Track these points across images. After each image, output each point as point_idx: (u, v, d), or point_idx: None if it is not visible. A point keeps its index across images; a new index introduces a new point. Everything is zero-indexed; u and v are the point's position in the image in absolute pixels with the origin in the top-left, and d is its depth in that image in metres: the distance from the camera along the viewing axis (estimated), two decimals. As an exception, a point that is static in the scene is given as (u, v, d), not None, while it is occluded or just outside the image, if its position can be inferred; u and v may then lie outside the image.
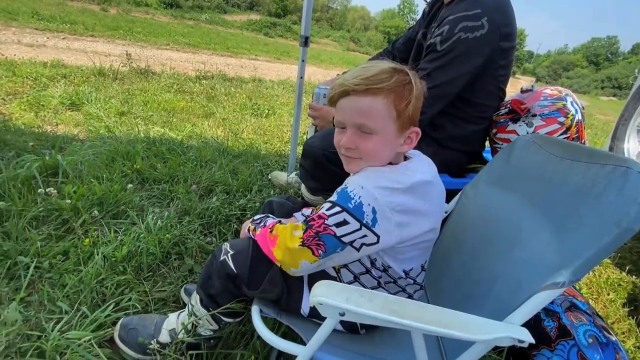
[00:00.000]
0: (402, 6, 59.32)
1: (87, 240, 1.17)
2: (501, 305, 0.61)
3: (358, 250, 0.68)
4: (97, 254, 1.13)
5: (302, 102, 2.03)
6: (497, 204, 0.85)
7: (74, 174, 1.54)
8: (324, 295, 0.55)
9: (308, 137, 1.52)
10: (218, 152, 2.19)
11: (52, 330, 0.88)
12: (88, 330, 0.91)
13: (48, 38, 6.03)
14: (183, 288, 1.12)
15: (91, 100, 2.68)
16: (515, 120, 1.16)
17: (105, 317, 0.96)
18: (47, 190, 1.32)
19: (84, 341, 0.87)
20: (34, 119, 2.25)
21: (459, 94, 1.15)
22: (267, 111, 3.61)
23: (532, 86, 1.23)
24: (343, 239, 0.66)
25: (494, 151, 1.31)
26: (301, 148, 2.24)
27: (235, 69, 6.40)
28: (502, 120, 1.22)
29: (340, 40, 29.07)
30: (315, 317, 0.80)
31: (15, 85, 2.82)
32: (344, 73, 1.64)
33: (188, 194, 1.61)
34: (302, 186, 1.53)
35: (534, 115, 1.12)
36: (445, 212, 1.01)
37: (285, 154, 2.54)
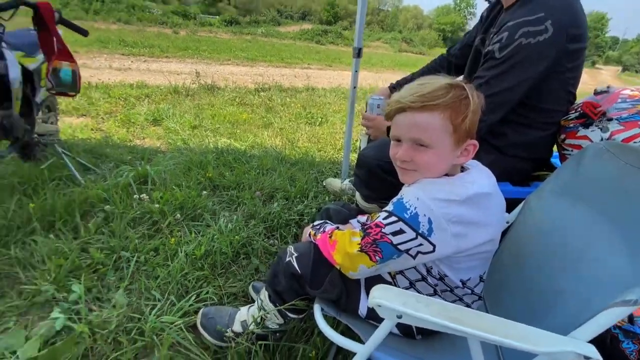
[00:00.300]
0: (458, 1, 56.35)
1: (173, 239, 1.37)
2: (565, 320, 0.60)
3: (414, 257, 0.71)
4: (181, 252, 1.31)
5: (354, 111, 2.10)
6: (564, 216, 0.82)
7: (160, 182, 1.79)
8: (383, 298, 0.59)
9: (361, 146, 1.57)
10: (277, 160, 2.35)
11: (150, 314, 1.06)
12: (176, 316, 1.07)
13: (132, 62, 6.95)
14: (251, 285, 1.25)
15: (169, 116, 3.06)
16: (586, 125, 1.09)
17: (189, 306, 1.11)
18: (140, 196, 1.56)
19: (174, 325, 1.03)
20: (126, 134, 2.65)
21: (521, 99, 1.11)
22: (320, 119, 3.74)
23: (608, 87, 1.13)
24: (399, 247, 0.70)
25: (562, 158, 1.23)
26: (354, 156, 2.29)
27: (289, 79, 6.70)
28: (571, 125, 1.14)
29: (392, 42, 28.58)
30: (373, 318, 0.84)
31: (110, 105, 3.33)
32: (396, 83, 1.66)
33: (252, 199, 1.76)
34: (357, 194, 1.59)
35: (610, 120, 1.04)
36: (507, 222, 0.99)
37: (339, 161, 2.62)
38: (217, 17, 23.03)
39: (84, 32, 1.54)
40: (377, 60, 14.62)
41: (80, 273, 1.20)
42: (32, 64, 1.52)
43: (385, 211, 0.74)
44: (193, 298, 1.15)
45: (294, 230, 1.62)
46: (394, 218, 0.70)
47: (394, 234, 0.70)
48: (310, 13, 38.64)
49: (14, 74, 1.32)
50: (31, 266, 1.21)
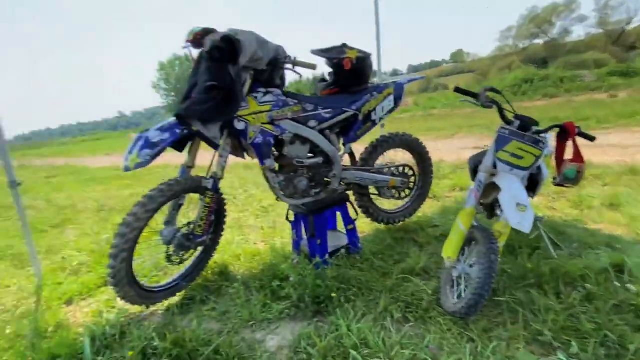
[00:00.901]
0: None
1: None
2: None
3: None
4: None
5: None
6: None
7: (638, 275, 1.76)
8: None
9: None
10: None
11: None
12: None
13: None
14: None
15: (630, 202, 2.82)
16: None
17: None
18: (626, 285, 1.64)
19: None
20: (580, 215, 2.80)
21: None
22: None
23: None
24: None
25: None
26: None
27: None
28: None
29: None
30: None
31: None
32: None
33: None
34: None
35: None
36: None
37: None
38: (683, 62, 17.15)
39: (592, 139, 1.95)
40: None
41: (570, 333, 1.50)
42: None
43: None
44: None
45: None
46: None
47: None
48: None
49: (545, 174, 2.02)
50: (531, 311, 1.68)
